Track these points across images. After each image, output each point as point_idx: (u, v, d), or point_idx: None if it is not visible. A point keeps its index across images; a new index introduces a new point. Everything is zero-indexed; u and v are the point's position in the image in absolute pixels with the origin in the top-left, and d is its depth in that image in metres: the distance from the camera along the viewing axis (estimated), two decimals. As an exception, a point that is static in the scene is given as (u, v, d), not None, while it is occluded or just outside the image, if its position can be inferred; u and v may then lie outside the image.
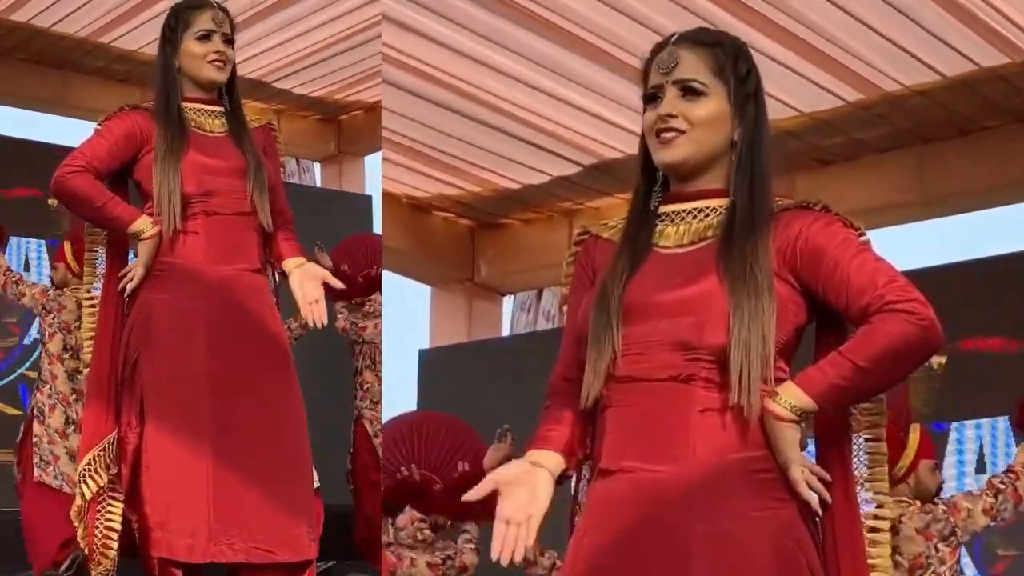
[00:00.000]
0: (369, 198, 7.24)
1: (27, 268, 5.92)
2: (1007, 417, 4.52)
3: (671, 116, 2.17)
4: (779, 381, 2.11)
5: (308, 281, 3.34)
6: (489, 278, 6.72)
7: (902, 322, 2.07)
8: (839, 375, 2.06)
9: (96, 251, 3.42)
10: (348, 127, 7.74)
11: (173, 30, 3.30)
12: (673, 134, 2.17)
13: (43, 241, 5.94)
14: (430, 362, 6.33)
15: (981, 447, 4.59)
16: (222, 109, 3.37)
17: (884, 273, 2.10)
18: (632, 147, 5.77)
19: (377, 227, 6.58)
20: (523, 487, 2.13)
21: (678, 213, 2.22)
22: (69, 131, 6.76)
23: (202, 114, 3.36)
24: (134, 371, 3.25)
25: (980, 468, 4.57)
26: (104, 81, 6.78)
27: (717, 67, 2.18)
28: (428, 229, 6.57)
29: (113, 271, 3.34)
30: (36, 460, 4.74)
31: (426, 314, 6.87)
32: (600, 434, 2.17)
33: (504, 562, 2.09)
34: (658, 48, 2.22)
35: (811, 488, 2.07)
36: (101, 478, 3.24)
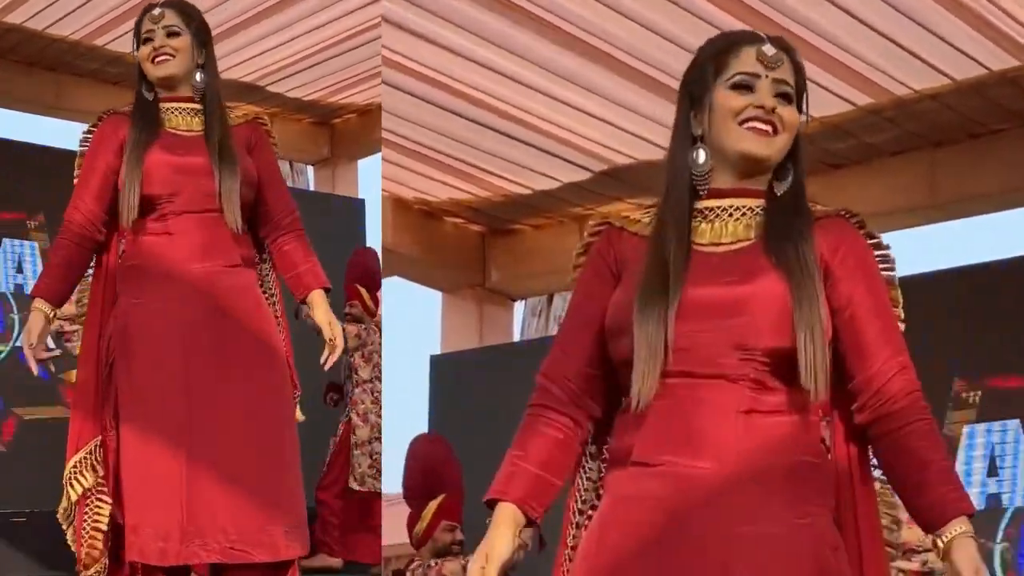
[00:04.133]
0: (363, 202, 7.25)
1: (20, 271, 5.91)
2: (1018, 420, 4.52)
3: (772, 110, 2.20)
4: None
5: (326, 309, 3.40)
6: (500, 283, 6.73)
7: (927, 413, 2.15)
8: (960, 483, 2.13)
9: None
10: (341, 130, 7.75)
11: (136, 36, 3.40)
12: (768, 127, 2.19)
13: (36, 244, 5.94)
14: (441, 368, 6.33)
15: (993, 450, 4.58)
16: (199, 107, 3.40)
17: (899, 346, 2.16)
18: (643, 153, 5.79)
19: (371, 231, 6.60)
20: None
21: (712, 210, 2.21)
22: (62, 133, 6.79)
23: (178, 113, 3.40)
24: (110, 376, 3.30)
25: (992, 472, 4.56)
26: (98, 83, 6.78)
27: (798, 77, 2.25)
28: (439, 235, 6.57)
29: (98, 282, 3.38)
30: None
31: (437, 320, 6.88)
32: (630, 426, 2.14)
33: None
34: (751, 38, 2.24)
35: None
36: (87, 480, 3.28)
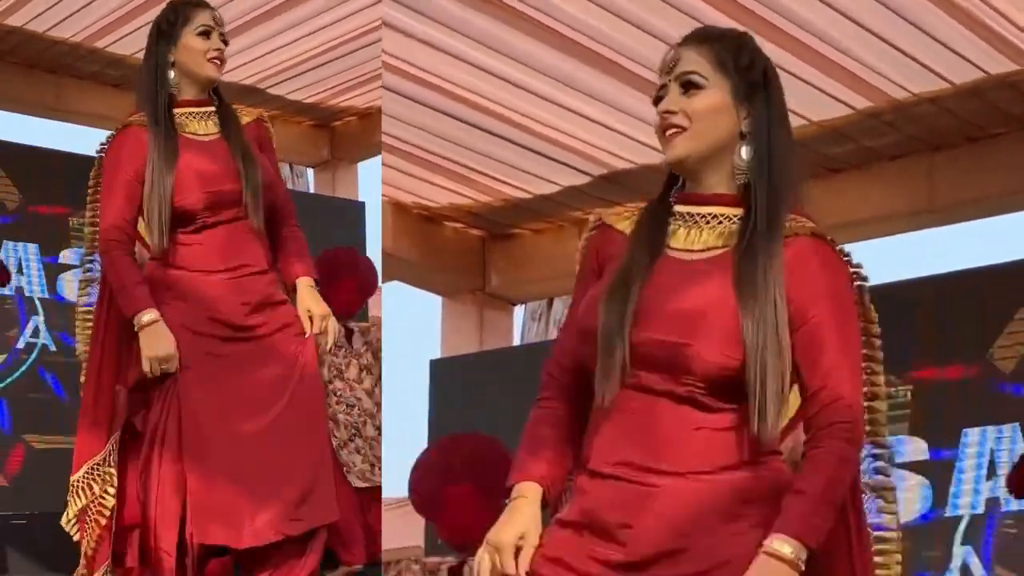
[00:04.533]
0: (362, 205, 7.26)
1: (20, 272, 5.91)
2: (1017, 424, 4.52)
3: (670, 112, 2.17)
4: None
5: (312, 297, 3.38)
6: (500, 288, 6.73)
7: (847, 446, 2.09)
8: (819, 516, 2.05)
9: (92, 261, 3.45)
10: (341, 133, 7.76)
11: (172, 24, 3.34)
12: (674, 130, 2.16)
13: (37, 245, 5.94)
14: (441, 372, 6.34)
15: (992, 452, 4.58)
16: (213, 109, 3.39)
17: (847, 375, 2.11)
18: (642, 158, 5.82)
19: (371, 234, 6.60)
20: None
21: (691, 215, 2.20)
22: (62, 135, 6.79)
23: (194, 117, 3.38)
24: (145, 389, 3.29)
25: (991, 473, 4.56)
26: (97, 86, 6.77)
27: (718, 61, 2.19)
28: (438, 239, 6.58)
29: (106, 292, 3.36)
30: None
31: (437, 324, 6.88)
32: (593, 430, 2.16)
33: None
34: (667, 52, 2.24)
35: None
36: (92, 491, 3.28)
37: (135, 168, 3.31)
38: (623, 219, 2.28)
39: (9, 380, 5.67)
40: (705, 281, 2.13)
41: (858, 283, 2.22)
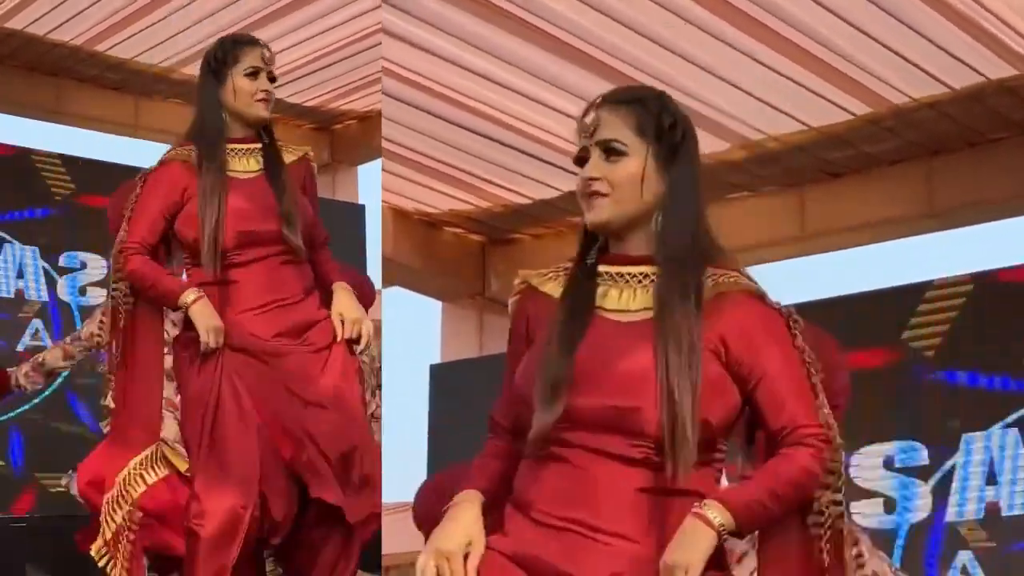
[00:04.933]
0: (363, 207, 7.26)
1: (20, 276, 5.92)
2: (1017, 429, 4.52)
3: (594, 179, 2.16)
4: (716, 463, 2.15)
5: (346, 300, 3.36)
6: (500, 293, 6.73)
7: (811, 458, 2.11)
8: (758, 497, 2.08)
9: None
10: (342, 136, 7.76)
11: (222, 63, 3.33)
12: (597, 197, 2.16)
13: (37, 248, 5.95)
14: (441, 377, 6.34)
15: (991, 459, 4.58)
16: (259, 146, 3.39)
17: (799, 404, 2.14)
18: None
19: (371, 237, 6.59)
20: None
21: (621, 275, 2.20)
22: (62, 139, 6.79)
23: (238, 154, 3.38)
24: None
25: (991, 480, 4.56)
26: (98, 89, 6.79)
27: (638, 125, 2.18)
28: (439, 244, 6.58)
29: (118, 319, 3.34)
30: None
31: (437, 329, 6.88)
32: (530, 479, 2.17)
33: None
34: (585, 111, 2.23)
35: None
36: (123, 509, 3.26)
37: (170, 202, 3.32)
38: (547, 280, 2.28)
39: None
40: (633, 343, 2.13)
41: (795, 330, 2.21)
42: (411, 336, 6.85)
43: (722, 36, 4.59)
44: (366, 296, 3.57)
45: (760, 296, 2.21)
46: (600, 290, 2.21)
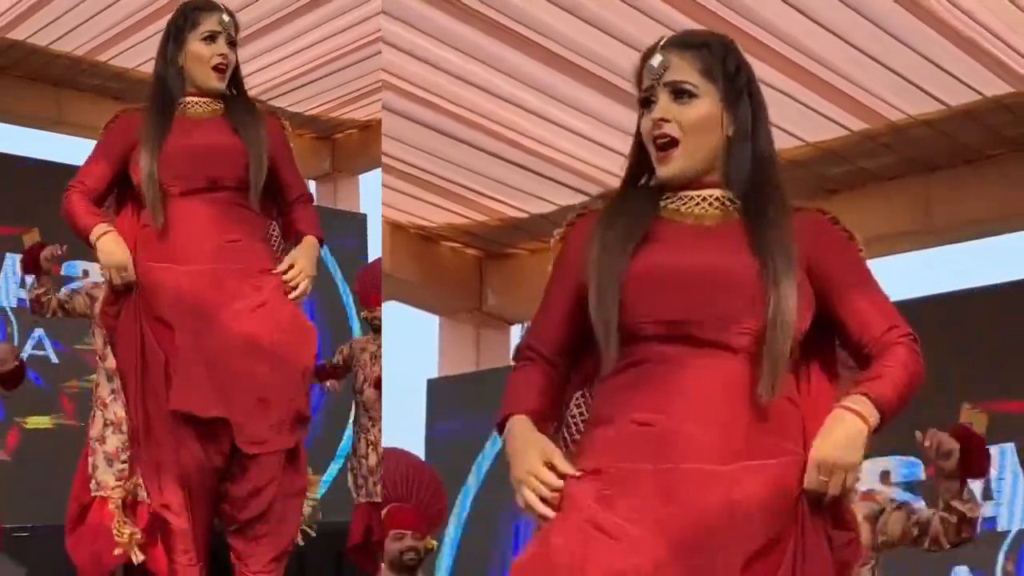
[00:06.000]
0: (364, 217, 7.26)
1: (23, 285, 5.93)
2: (1012, 444, 4.53)
3: (664, 120, 2.18)
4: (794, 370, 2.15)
5: (305, 252, 3.35)
6: (497, 307, 6.74)
7: (917, 358, 2.15)
8: (896, 391, 2.11)
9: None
10: (343, 145, 7.78)
11: (180, 28, 3.33)
12: (666, 140, 2.18)
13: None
14: (438, 391, 6.34)
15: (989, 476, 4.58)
16: (220, 98, 3.37)
17: (892, 309, 2.18)
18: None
19: (372, 246, 6.61)
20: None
21: (688, 196, 2.23)
22: (64, 148, 6.80)
23: (197, 105, 3.38)
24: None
25: (986, 495, 4.57)
26: (99, 99, 6.79)
27: (705, 68, 2.20)
28: (436, 259, 6.59)
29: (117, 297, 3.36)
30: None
31: (434, 344, 6.89)
32: (618, 388, 2.16)
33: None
34: (648, 53, 2.24)
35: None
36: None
37: (116, 148, 3.33)
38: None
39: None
40: (735, 246, 2.15)
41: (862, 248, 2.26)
42: (408, 350, 6.85)
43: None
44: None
45: (832, 217, 2.26)
46: (663, 203, 2.23)
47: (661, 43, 2.24)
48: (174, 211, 3.27)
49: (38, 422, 5.72)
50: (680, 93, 2.19)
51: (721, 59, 2.23)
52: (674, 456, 2.07)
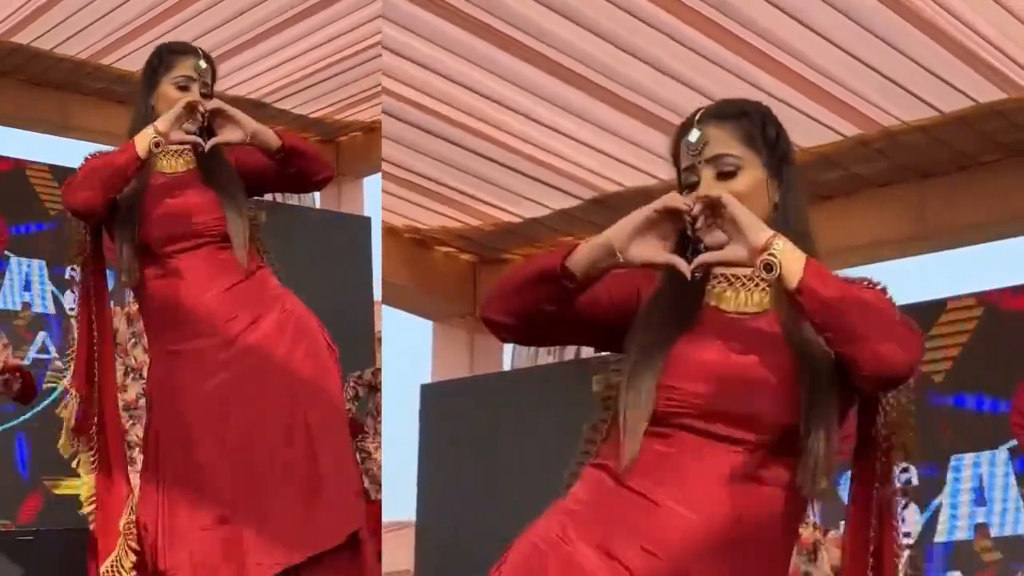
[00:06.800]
0: (368, 220, 7.26)
1: (27, 288, 5.91)
2: (1007, 448, 4.53)
3: (712, 203, 2.08)
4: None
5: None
6: (491, 313, 6.72)
7: (881, 297, 2.07)
8: (836, 286, 2.01)
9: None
10: (347, 148, 7.76)
11: (154, 70, 3.27)
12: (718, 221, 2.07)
13: (44, 262, 5.95)
14: (431, 397, 6.33)
15: (981, 481, 4.59)
16: (190, 147, 3.33)
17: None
18: (632, 180, 5.84)
19: (376, 249, 6.60)
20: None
21: (736, 276, 2.16)
22: (68, 152, 6.80)
23: (168, 155, 3.33)
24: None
25: (980, 501, 4.56)
26: (104, 103, 6.81)
27: (747, 137, 2.15)
28: (429, 264, 6.59)
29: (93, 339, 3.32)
30: None
31: (428, 349, 6.89)
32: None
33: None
34: (684, 128, 2.17)
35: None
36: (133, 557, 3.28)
37: None
38: None
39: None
40: (760, 339, 2.10)
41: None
42: (401, 355, 6.85)
43: (712, 57, 4.61)
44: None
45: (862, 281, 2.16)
46: (714, 289, 2.18)
47: (696, 117, 2.17)
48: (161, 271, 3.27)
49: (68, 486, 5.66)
50: (723, 167, 2.13)
51: (760, 126, 2.18)
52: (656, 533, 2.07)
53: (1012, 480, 4.50)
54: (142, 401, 4.58)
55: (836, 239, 5.52)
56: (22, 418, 5.60)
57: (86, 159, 3.25)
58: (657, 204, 2.05)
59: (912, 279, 5.78)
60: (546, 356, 6.77)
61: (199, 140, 3.20)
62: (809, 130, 5.08)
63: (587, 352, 5.23)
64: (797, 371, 2.06)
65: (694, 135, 2.14)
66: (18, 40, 6.27)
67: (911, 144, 5.13)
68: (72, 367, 3.32)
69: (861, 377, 2.02)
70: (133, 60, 6.43)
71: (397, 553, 5.13)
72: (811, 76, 4.73)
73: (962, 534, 4.53)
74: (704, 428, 2.09)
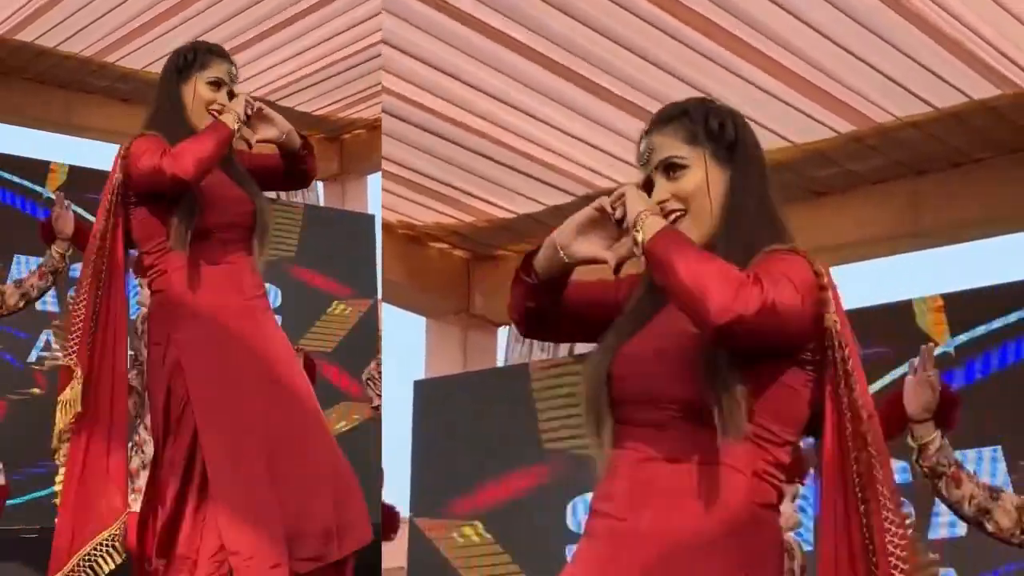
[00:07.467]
0: (372, 217, 7.25)
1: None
2: (999, 447, 4.52)
3: (663, 201, 2.19)
4: (768, 441, 2.12)
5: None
6: (484, 309, 6.73)
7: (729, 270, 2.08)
8: (675, 245, 2.07)
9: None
10: (351, 146, 7.76)
11: (188, 64, 3.35)
12: (676, 215, 2.19)
13: (42, 259, 5.95)
14: (425, 393, 6.32)
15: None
16: None
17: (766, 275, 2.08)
18: (625, 176, 5.83)
19: (379, 247, 6.60)
20: None
21: None
22: (72, 150, 6.81)
23: None
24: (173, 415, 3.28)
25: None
26: (108, 101, 6.81)
27: (689, 136, 2.21)
28: (423, 260, 6.58)
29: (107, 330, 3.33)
30: None
31: (421, 345, 6.88)
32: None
33: None
34: (638, 142, 2.27)
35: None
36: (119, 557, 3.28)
37: None
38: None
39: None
40: (674, 320, 2.14)
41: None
42: (395, 351, 6.85)
43: (708, 53, 4.61)
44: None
45: (784, 249, 2.20)
46: None
47: (644, 129, 2.26)
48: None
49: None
50: (670, 168, 2.21)
51: (703, 121, 2.22)
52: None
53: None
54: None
55: (830, 236, 5.52)
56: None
57: (152, 135, 3.33)
58: (595, 204, 2.21)
59: (906, 276, 5.78)
60: (539, 353, 6.76)
61: (273, 137, 3.39)
62: (804, 126, 5.08)
63: (581, 348, 5.23)
64: (703, 346, 2.09)
65: (642, 145, 2.26)
66: (22, 38, 6.27)
67: (906, 140, 5.13)
68: (74, 343, 3.32)
69: (697, 326, 2.07)
70: (137, 58, 6.43)
71: (391, 548, 5.12)
72: (806, 72, 4.73)
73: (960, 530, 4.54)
74: (619, 415, 2.16)
